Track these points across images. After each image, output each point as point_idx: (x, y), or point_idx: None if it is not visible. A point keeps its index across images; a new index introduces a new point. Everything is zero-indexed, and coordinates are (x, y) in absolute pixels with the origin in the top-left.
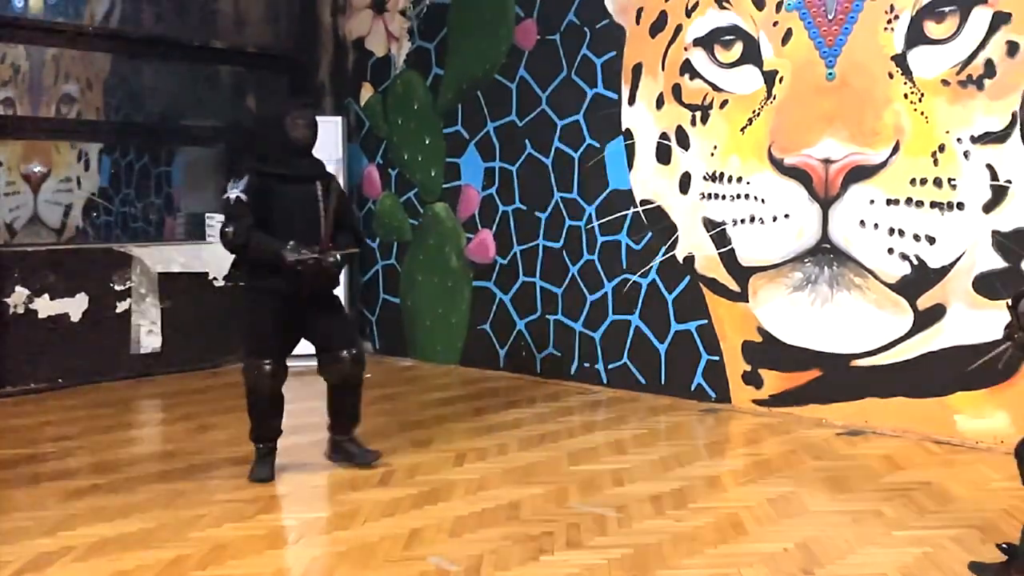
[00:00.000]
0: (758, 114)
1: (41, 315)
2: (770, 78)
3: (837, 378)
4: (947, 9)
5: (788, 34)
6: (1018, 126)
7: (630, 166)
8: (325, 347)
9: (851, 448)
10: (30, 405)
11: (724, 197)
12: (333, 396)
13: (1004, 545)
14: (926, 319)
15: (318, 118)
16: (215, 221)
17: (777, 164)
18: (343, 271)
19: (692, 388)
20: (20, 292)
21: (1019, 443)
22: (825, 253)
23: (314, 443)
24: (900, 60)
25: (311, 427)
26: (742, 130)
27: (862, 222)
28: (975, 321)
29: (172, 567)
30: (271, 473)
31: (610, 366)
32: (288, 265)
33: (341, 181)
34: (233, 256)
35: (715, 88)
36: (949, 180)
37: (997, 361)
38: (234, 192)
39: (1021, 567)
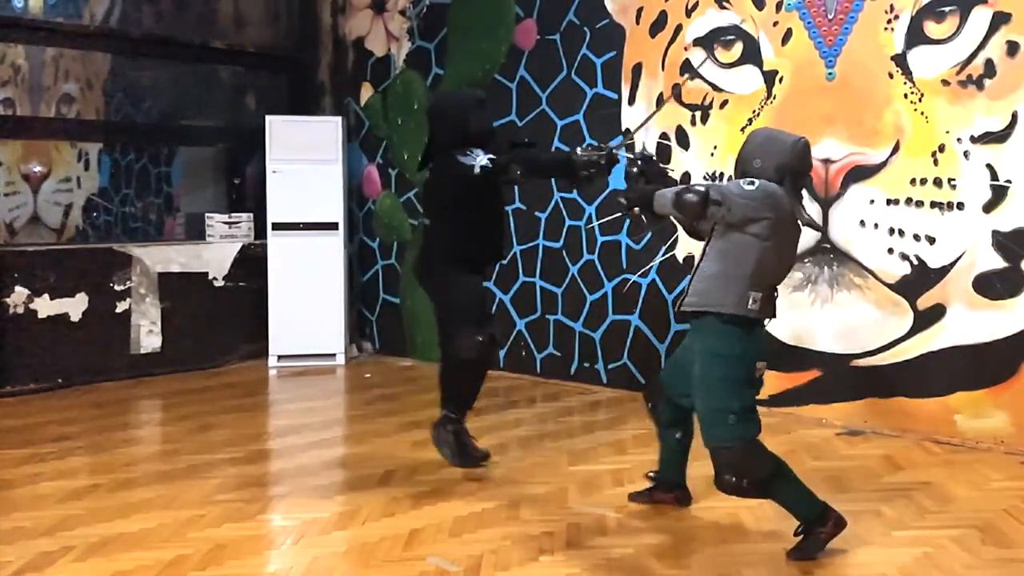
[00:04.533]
0: (758, 114)
1: (41, 315)
2: (770, 78)
3: (837, 378)
4: (947, 9)
5: (788, 34)
6: None
7: None
8: None
9: (851, 448)
10: (30, 405)
11: None
12: None
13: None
14: (926, 319)
15: (318, 119)
16: (214, 222)
17: None
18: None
19: None
20: (20, 292)
21: None
22: (825, 253)
23: (313, 443)
24: (900, 60)
25: (311, 427)
26: (742, 130)
27: (862, 222)
28: (975, 321)
29: (172, 567)
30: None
31: (610, 366)
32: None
33: (340, 180)
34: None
35: (715, 88)
36: (949, 180)
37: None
38: (481, 159)
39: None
